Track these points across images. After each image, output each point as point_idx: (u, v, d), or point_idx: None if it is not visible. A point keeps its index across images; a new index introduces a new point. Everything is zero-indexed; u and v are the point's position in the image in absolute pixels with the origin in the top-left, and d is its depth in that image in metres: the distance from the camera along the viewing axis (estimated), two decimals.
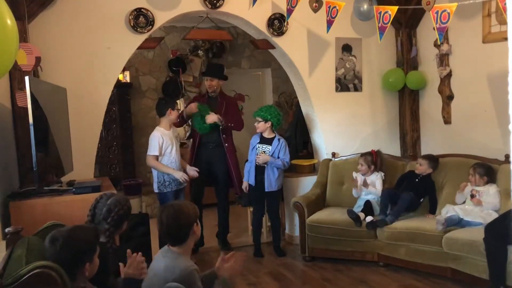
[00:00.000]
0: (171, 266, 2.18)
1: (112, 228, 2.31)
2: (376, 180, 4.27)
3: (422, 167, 4.18)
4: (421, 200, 4.09)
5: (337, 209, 4.40)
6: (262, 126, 4.36)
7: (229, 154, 4.55)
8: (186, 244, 2.28)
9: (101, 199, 2.39)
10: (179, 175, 3.99)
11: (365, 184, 4.24)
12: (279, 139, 4.39)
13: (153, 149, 3.98)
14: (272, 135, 4.41)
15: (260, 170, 4.36)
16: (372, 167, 4.33)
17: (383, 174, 4.33)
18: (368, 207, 4.09)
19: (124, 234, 3.68)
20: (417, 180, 4.19)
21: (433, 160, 4.23)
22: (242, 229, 5.28)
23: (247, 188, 4.48)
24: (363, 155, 4.41)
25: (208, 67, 5.05)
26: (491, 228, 3.22)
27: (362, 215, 4.01)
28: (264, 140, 4.41)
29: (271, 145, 4.36)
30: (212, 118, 4.38)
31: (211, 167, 4.56)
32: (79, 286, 1.88)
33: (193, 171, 4.19)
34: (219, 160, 4.54)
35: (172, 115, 4.05)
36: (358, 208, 4.17)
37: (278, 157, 4.34)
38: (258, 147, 4.40)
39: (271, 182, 4.35)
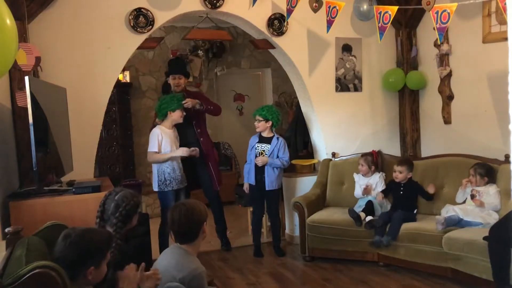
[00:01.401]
0: (181, 264, 2.17)
1: (120, 223, 2.32)
2: (378, 181, 4.27)
3: (402, 175, 4.09)
4: (415, 212, 4.04)
5: (337, 209, 4.40)
6: (263, 126, 4.36)
7: (205, 148, 4.42)
8: (195, 243, 2.28)
9: (110, 195, 2.40)
10: (181, 152, 4.00)
11: (369, 191, 4.23)
12: (278, 138, 4.40)
13: (151, 146, 4.01)
14: (271, 135, 4.42)
15: (260, 169, 4.36)
16: (373, 167, 4.33)
17: (384, 174, 4.33)
18: (369, 207, 4.08)
19: (124, 234, 3.70)
20: (401, 192, 4.11)
21: (409, 162, 4.19)
22: (242, 229, 5.28)
23: (248, 189, 4.48)
24: (363, 155, 4.41)
25: (172, 64, 4.70)
26: (495, 230, 3.20)
27: (362, 214, 4.01)
28: (263, 140, 4.41)
29: (270, 144, 4.37)
30: (192, 101, 4.19)
31: (193, 168, 4.43)
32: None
33: (194, 151, 4.12)
34: (199, 158, 4.35)
35: (172, 116, 4.06)
36: (358, 208, 4.17)
37: (278, 156, 4.34)
38: (257, 146, 4.40)
39: (271, 181, 4.36)
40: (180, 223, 2.25)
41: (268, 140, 4.40)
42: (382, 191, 4.18)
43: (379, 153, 4.55)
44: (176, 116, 4.07)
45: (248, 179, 4.45)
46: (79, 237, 1.86)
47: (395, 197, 4.14)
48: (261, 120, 4.35)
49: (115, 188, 2.48)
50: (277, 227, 4.56)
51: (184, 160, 4.19)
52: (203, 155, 4.38)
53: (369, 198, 4.20)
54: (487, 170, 3.75)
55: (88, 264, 1.84)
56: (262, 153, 4.38)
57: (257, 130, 4.42)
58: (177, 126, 4.24)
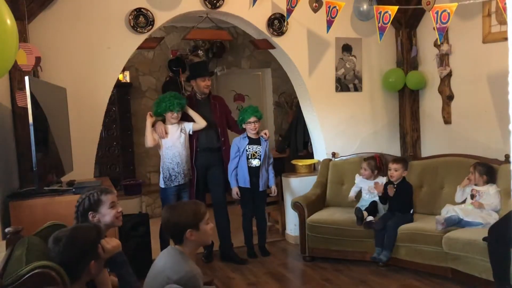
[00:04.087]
0: (176, 265, 2.16)
1: (76, 221, 2.31)
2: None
3: (398, 172, 4.03)
4: (411, 212, 4.03)
5: (337, 209, 4.40)
6: (258, 126, 4.34)
7: (226, 157, 4.42)
8: (185, 245, 2.24)
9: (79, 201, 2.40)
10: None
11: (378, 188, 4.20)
12: (264, 140, 4.40)
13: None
14: (257, 135, 4.39)
15: (254, 172, 4.34)
16: (376, 171, 4.29)
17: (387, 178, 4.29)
18: (373, 208, 4.07)
19: (124, 234, 3.70)
20: (394, 190, 4.04)
21: (404, 160, 4.17)
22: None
23: (238, 193, 4.39)
24: (366, 159, 4.36)
25: (198, 66, 4.63)
26: (494, 231, 3.20)
27: (365, 214, 4.00)
28: (253, 141, 4.36)
29: (260, 146, 4.36)
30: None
31: (207, 172, 4.41)
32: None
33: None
34: (217, 164, 4.39)
35: (167, 114, 4.07)
36: (361, 207, 4.13)
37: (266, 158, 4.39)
38: (248, 148, 4.33)
39: (264, 182, 4.39)
40: (165, 225, 2.25)
41: (257, 141, 4.37)
42: (383, 196, 4.12)
43: (381, 156, 4.51)
44: (167, 116, 4.08)
45: (244, 183, 4.35)
46: (71, 238, 1.87)
47: (391, 202, 4.08)
48: (257, 121, 4.32)
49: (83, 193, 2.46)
50: (264, 227, 4.58)
51: (200, 163, 4.33)
52: (223, 164, 4.41)
53: (375, 199, 4.18)
54: (487, 169, 3.75)
55: (88, 259, 1.87)
56: (254, 155, 4.34)
57: (253, 132, 4.32)
58: (200, 131, 4.27)
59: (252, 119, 4.29)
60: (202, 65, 4.67)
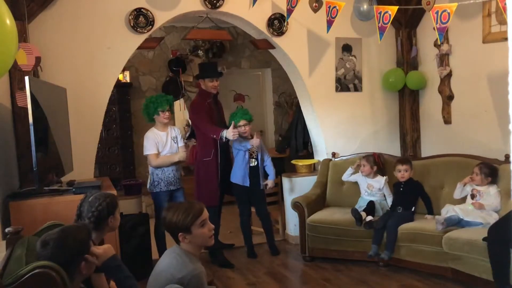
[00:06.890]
0: (179, 265, 2.16)
1: (93, 224, 2.30)
2: (383, 185, 4.23)
3: (408, 173, 4.07)
4: (413, 210, 4.05)
5: (337, 209, 4.40)
6: (250, 129, 4.36)
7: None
8: (185, 246, 2.23)
9: (85, 197, 2.39)
10: (179, 156, 4.04)
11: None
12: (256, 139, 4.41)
13: (149, 149, 4.04)
14: (250, 137, 4.39)
15: (253, 171, 4.37)
16: (375, 167, 4.29)
17: (387, 178, 4.29)
18: (370, 207, 4.07)
19: (124, 234, 3.70)
20: (401, 189, 4.10)
21: (410, 160, 4.21)
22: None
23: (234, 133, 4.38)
24: (364, 156, 4.37)
25: (207, 67, 4.63)
26: (494, 231, 3.20)
27: (363, 214, 4.00)
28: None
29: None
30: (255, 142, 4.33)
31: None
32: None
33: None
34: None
35: (156, 118, 4.08)
36: (359, 208, 4.15)
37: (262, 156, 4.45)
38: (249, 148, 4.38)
39: (261, 180, 4.44)
40: (163, 225, 2.24)
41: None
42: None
43: (380, 155, 4.52)
44: (159, 118, 4.07)
45: (243, 181, 4.36)
46: (59, 241, 1.83)
47: (395, 196, 4.14)
48: (247, 124, 4.32)
49: (91, 192, 2.46)
50: (270, 226, 4.58)
51: (222, 164, 4.33)
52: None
53: (372, 198, 4.19)
54: (492, 171, 3.74)
55: (78, 261, 1.84)
56: (252, 154, 4.37)
57: (245, 134, 4.31)
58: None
59: (242, 122, 4.30)
60: (211, 66, 4.63)
